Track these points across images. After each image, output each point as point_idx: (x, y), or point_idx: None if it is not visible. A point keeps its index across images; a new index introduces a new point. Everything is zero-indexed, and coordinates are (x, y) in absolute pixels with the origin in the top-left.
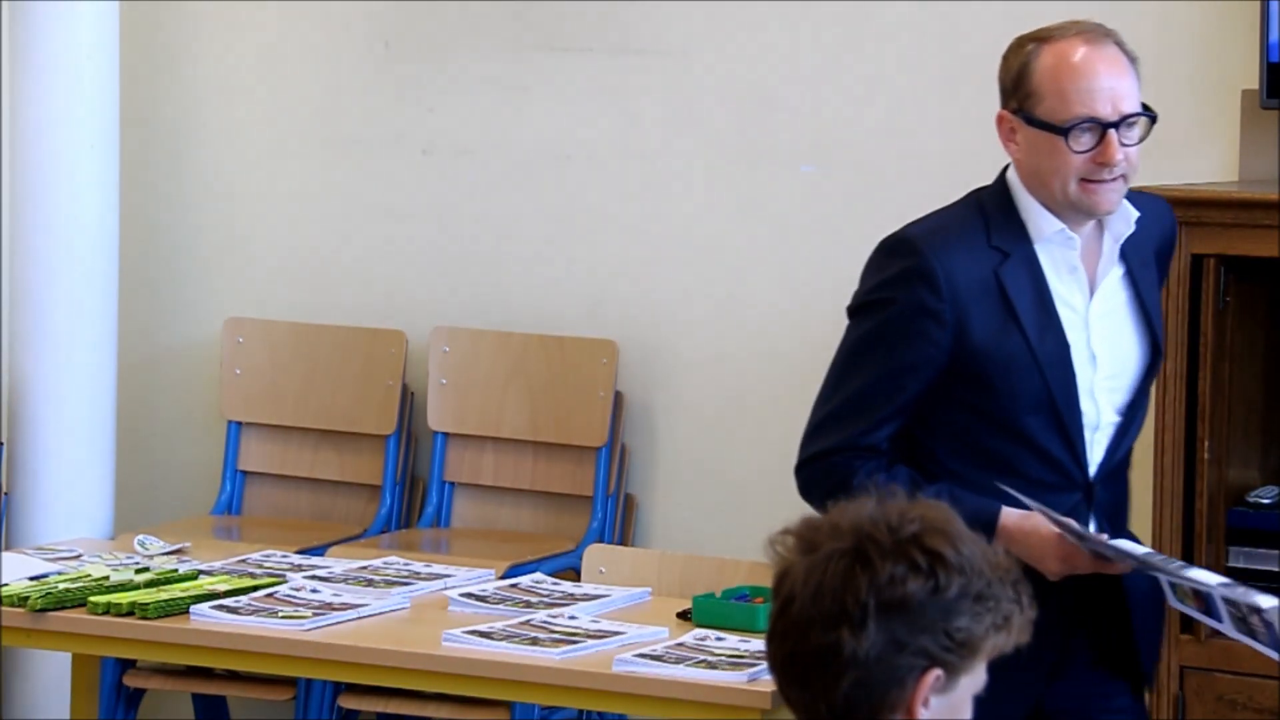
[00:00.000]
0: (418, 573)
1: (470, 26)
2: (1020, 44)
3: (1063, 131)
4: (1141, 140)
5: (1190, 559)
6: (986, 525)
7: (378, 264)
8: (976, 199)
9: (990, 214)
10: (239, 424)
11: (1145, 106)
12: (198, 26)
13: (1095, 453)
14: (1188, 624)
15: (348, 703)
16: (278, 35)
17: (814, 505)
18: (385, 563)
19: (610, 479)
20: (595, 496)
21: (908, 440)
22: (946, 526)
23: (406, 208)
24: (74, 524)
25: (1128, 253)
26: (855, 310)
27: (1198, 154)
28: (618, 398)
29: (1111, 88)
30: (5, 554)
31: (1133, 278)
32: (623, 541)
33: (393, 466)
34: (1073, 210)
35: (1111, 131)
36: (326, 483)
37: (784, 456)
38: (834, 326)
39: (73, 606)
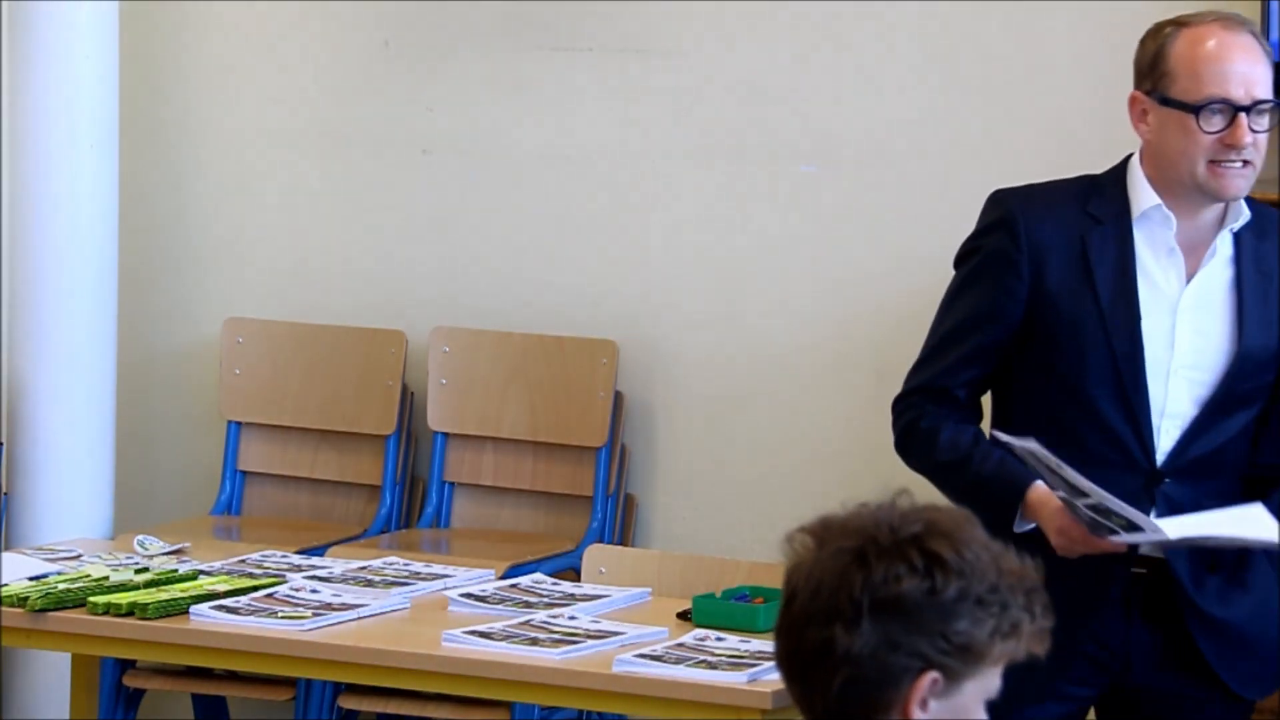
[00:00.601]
0: (418, 573)
1: (470, 26)
2: (1158, 28)
3: (1194, 110)
4: (1269, 130)
5: None
6: (1016, 493)
7: (378, 264)
8: (1092, 175)
9: (1097, 186)
10: (239, 424)
11: (1278, 97)
12: (197, 26)
13: (1164, 440)
14: None
15: (348, 703)
16: (277, 35)
17: (895, 442)
18: (385, 563)
19: (610, 479)
20: (595, 496)
21: (996, 411)
22: (953, 530)
23: (406, 208)
24: (74, 524)
25: (1242, 258)
26: (955, 261)
27: None
28: (618, 398)
29: (1245, 72)
30: (5, 554)
31: (1240, 282)
32: (623, 541)
33: (393, 466)
34: (1199, 193)
35: (1242, 115)
36: (326, 483)
37: (784, 456)
38: (834, 326)
39: (72, 606)
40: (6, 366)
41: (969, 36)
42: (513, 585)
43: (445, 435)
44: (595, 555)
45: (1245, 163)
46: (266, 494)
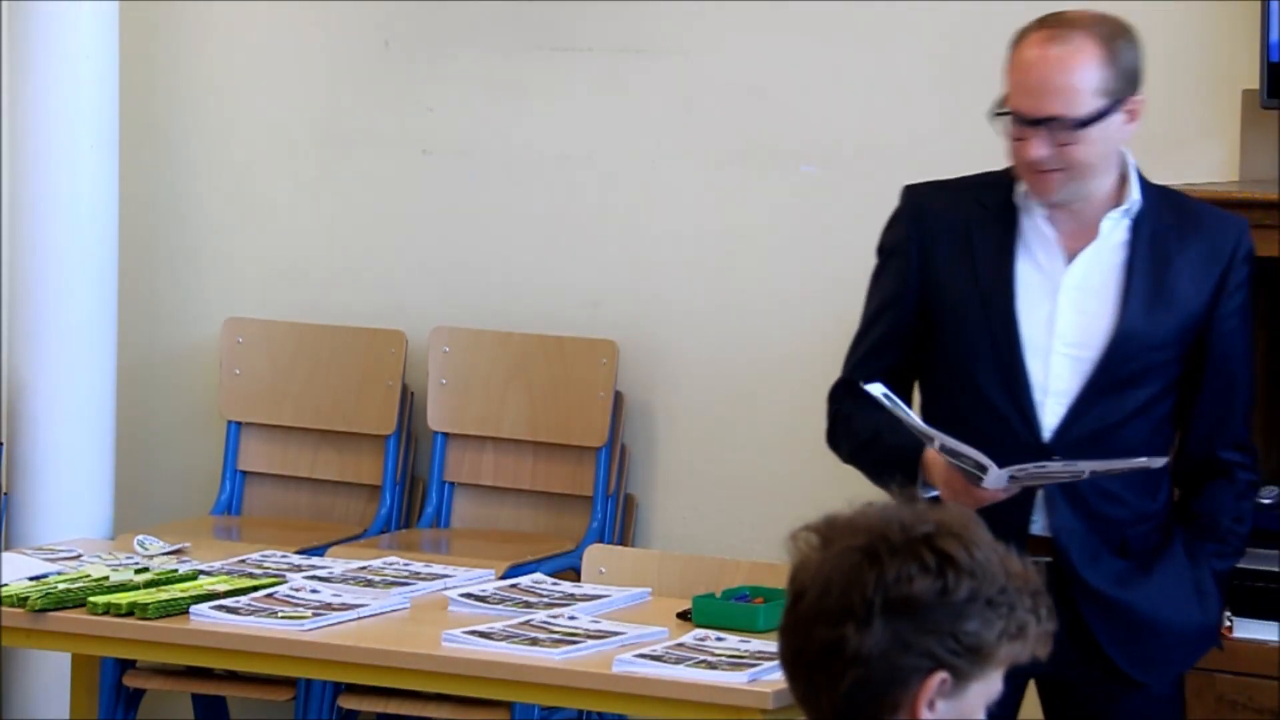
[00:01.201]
0: (418, 573)
1: (470, 26)
2: (1018, 32)
3: (998, 117)
4: (1078, 143)
5: None
6: (915, 456)
7: (378, 264)
8: (1001, 170)
9: (996, 178)
10: (239, 424)
11: (1104, 107)
12: (197, 26)
13: (1048, 417)
14: None
15: (348, 703)
16: (277, 35)
17: (826, 436)
18: (385, 563)
19: (610, 479)
20: (595, 496)
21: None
22: (963, 531)
23: (406, 207)
24: (74, 524)
25: (1138, 242)
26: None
27: (1198, 153)
28: (618, 398)
29: (1041, 87)
30: (5, 554)
31: (1131, 265)
32: (623, 541)
33: (393, 466)
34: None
35: (1033, 129)
36: (326, 483)
37: (783, 456)
38: (834, 325)
39: (72, 606)
40: (6, 366)
41: (969, 36)
42: (513, 585)
43: (445, 435)
44: (595, 555)
45: (1054, 170)
46: (266, 494)
